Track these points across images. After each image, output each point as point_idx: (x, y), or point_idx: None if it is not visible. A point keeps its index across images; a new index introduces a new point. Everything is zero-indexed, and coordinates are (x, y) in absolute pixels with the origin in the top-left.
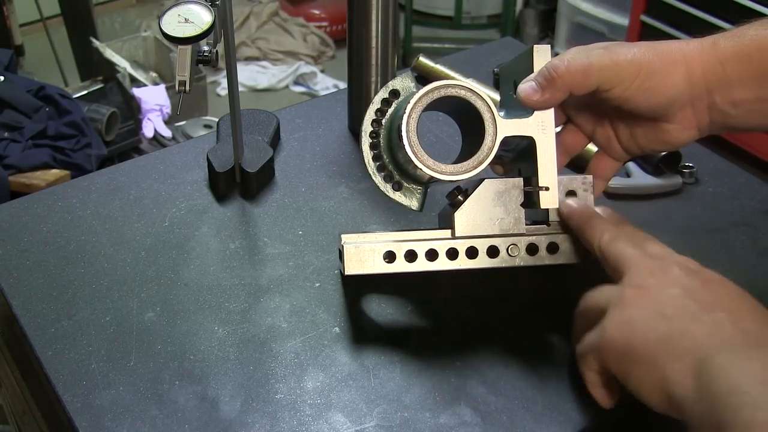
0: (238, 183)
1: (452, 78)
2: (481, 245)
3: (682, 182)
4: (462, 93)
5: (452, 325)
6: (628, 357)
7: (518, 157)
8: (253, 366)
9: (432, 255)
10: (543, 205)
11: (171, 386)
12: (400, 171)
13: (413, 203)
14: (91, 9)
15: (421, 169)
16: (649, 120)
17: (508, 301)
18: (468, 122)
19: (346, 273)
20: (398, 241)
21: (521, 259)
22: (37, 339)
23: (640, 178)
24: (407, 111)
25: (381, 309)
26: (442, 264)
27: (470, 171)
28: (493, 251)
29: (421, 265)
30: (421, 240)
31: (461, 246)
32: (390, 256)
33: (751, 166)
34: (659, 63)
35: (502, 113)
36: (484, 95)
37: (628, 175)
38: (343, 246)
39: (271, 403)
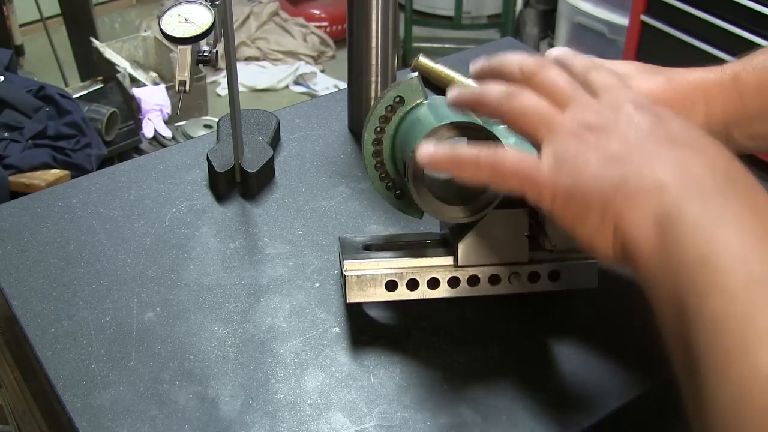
0: (238, 183)
1: (452, 79)
2: (483, 274)
3: None
4: (471, 133)
5: (452, 325)
6: (577, 202)
7: None
8: (253, 366)
9: (434, 284)
10: (548, 246)
11: (171, 386)
12: (403, 180)
13: (415, 211)
14: (91, 9)
15: (427, 212)
16: None
17: (509, 301)
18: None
19: (348, 301)
20: (401, 268)
21: (522, 287)
22: (37, 339)
23: None
24: (413, 154)
25: (381, 309)
26: (444, 292)
27: (476, 214)
28: (494, 279)
29: (423, 293)
30: (424, 267)
31: (463, 275)
32: (392, 285)
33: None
34: (679, 105)
35: (512, 141)
36: (495, 137)
37: None
38: (345, 274)
39: (271, 403)
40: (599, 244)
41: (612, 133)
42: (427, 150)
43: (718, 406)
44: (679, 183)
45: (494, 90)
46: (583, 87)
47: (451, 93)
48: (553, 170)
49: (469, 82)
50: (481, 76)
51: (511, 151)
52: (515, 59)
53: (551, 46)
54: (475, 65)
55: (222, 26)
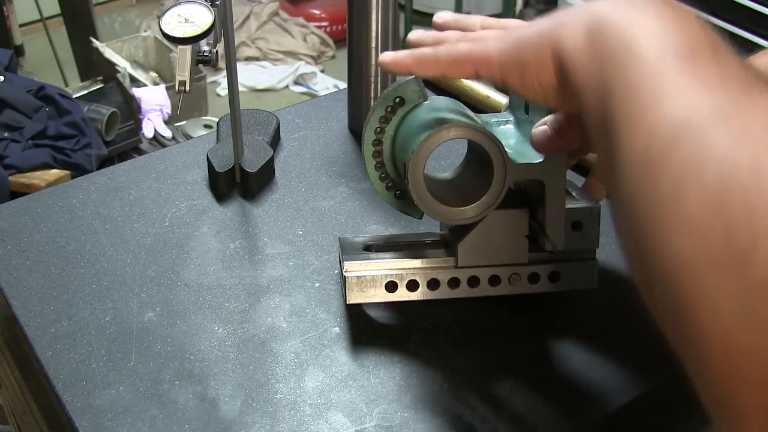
0: (238, 183)
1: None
2: (483, 275)
3: None
4: (472, 135)
5: (452, 325)
6: (521, 56)
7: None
8: (253, 366)
9: (434, 285)
10: (548, 248)
11: (171, 386)
12: (403, 181)
13: (415, 212)
14: (91, 9)
15: (427, 213)
16: None
17: (509, 301)
18: (476, 151)
19: (348, 302)
20: (400, 269)
21: (522, 288)
22: (37, 339)
23: None
24: (413, 155)
25: (381, 309)
26: (444, 293)
27: (477, 215)
28: (494, 280)
29: (423, 294)
30: (424, 268)
31: (463, 275)
32: (392, 286)
33: None
34: None
35: (511, 119)
36: (496, 139)
37: None
38: (345, 275)
39: (271, 403)
40: (545, 81)
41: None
42: (388, 55)
43: (629, 157)
44: (604, 4)
45: (426, 49)
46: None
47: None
48: (498, 44)
49: (469, 82)
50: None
51: (462, 42)
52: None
53: None
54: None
55: (222, 26)
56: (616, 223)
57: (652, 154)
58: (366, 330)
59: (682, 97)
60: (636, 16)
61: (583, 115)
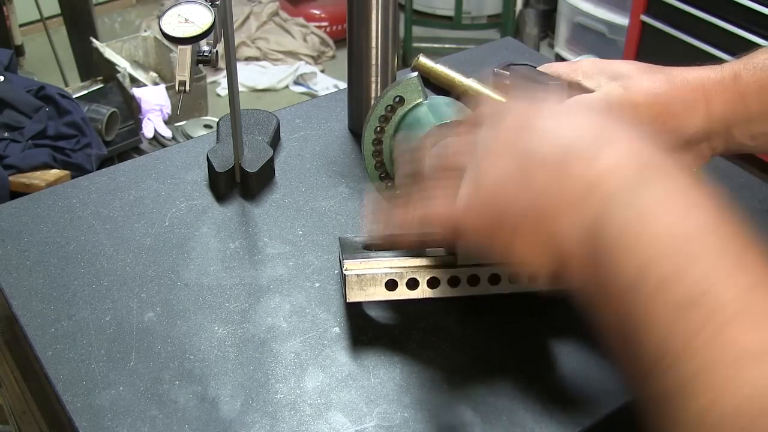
0: (238, 183)
1: (452, 79)
2: (483, 273)
3: None
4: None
5: (452, 325)
6: (502, 226)
7: None
8: (253, 366)
9: (434, 283)
10: None
11: (171, 386)
12: None
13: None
14: (91, 9)
15: None
16: None
17: (509, 301)
18: None
19: (348, 301)
20: (401, 268)
21: (523, 286)
22: (37, 339)
23: None
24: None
25: (381, 309)
26: (444, 291)
27: None
28: (494, 279)
29: (423, 292)
30: (424, 266)
31: (463, 274)
32: (392, 285)
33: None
34: (679, 105)
35: None
36: None
37: None
38: (345, 274)
39: (271, 403)
40: (533, 261)
41: (527, 133)
42: (370, 231)
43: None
44: (613, 182)
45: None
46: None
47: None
48: (471, 200)
49: (470, 82)
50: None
51: (436, 200)
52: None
53: (551, 46)
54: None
55: (222, 26)
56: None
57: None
58: (366, 330)
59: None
60: (646, 205)
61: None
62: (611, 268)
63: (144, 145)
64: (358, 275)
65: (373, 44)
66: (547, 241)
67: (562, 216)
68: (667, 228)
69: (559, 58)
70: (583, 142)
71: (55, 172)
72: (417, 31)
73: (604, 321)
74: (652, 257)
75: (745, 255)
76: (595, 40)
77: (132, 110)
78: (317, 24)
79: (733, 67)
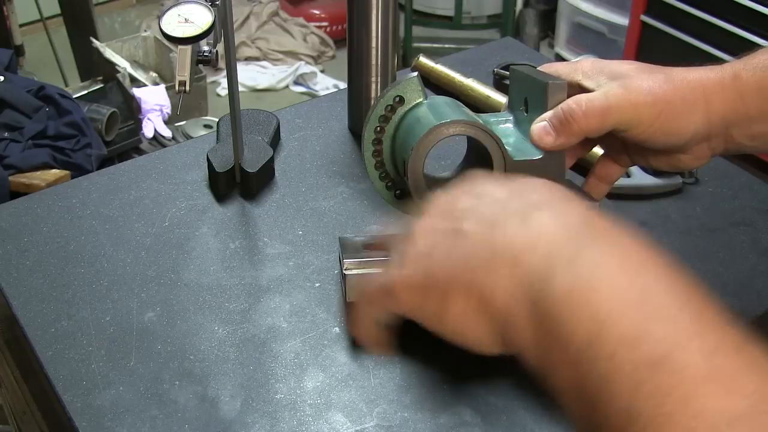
0: (238, 183)
1: (452, 79)
2: None
3: (682, 182)
4: (472, 132)
5: None
6: (434, 291)
7: None
8: (253, 366)
9: None
10: None
11: (171, 386)
12: (403, 180)
13: (415, 211)
14: (91, 9)
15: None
16: (663, 151)
17: None
18: (475, 146)
19: (348, 301)
20: None
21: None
22: (37, 339)
23: (640, 178)
24: (413, 152)
25: None
26: None
27: None
28: None
29: None
30: None
31: None
32: None
33: (751, 166)
34: (679, 105)
35: (510, 118)
36: (495, 135)
37: (628, 175)
38: (345, 274)
39: (271, 403)
40: (472, 334)
41: (452, 211)
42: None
43: None
44: (537, 251)
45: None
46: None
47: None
48: (401, 268)
49: (470, 82)
50: None
51: (377, 274)
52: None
53: (551, 46)
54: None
55: (222, 26)
56: None
57: None
58: None
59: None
60: (594, 263)
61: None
62: (562, 330)
63: (144, 145)
64: (358, 275)
65: (373, 44)
66: (482, 304)
67: (495, 276)
68: (619, 288)
69: (559, 58)
70: (516, 203)
71: (55, 172)
72: (417, 31)
73: (559, 384)
74: (607, 319)
75: (702, 314)
76: (595, 40)
77: (132, 110)
78: (317, 24)
79: (732, 67)
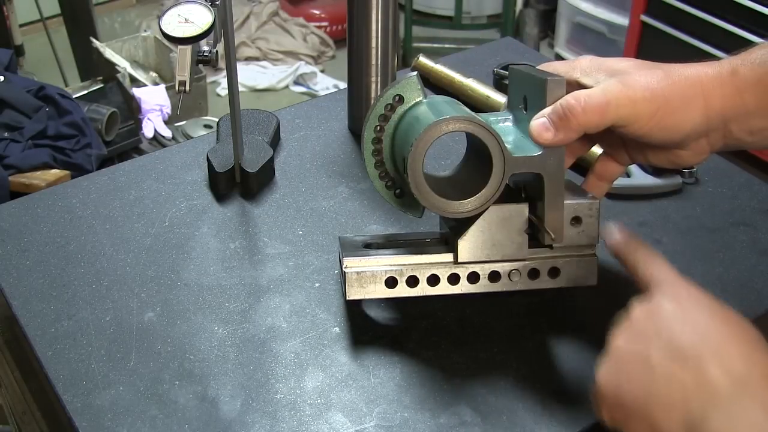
0: (238, 183)
1: (452, 79)
2: (483, 270)
3: (682, 182)
4: (471, 128)
5: (452, 325)
6: (619, 408)
7: (526, 178)
8: (253, 366)
9: (434, 281)
10: (547, 242)
11: (171, 386)
12: (403, 179)
13: (415, 210)
14: (91, 9)
15: (426, 207)
16: (662, 147)
17: (508, 301)
18: (475, 144)
19: (348, 298)
20: (400, 265)
21: (522, 284)
22: (37, 339)
23: (640, 178)
24: (413, 148)
25: (381, 309)
26: (444, 289)
27: (476, 209)
28: (494, 276)
29: (423, 290)
30: (424, 264)
31: (463, 271)
32: (392, 282)
33: (751, 166)
34: (678, 100)
35: (510, 117)
36: (494, 132)
37: (628, 175)
38: (345, 271)
39: (271, 403)
40: None
41: (647, 340)
42: None
43: None
44: (701, 394)
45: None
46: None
47: None
48: (598, 388)
49: (470, 82)
50: None
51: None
52: None
53: (551, 46)
54: None
55: (222, 26)
56: None
57: None
58: (366, 330)
59: None
60: (732, 424)
61: None
62: None
63: (144, 145)
64: (357, 272)
65: (373, 44)
66: (653, 429)
67: (666, 411)
68: None
69: (559, 58)
70: (695, 346)
71: (55, 172)
72: (417, 31)
73: None
74: None
75: None
76: (595, 40)
77: (132, 110)
78: (317, 24)
79: (731, 62)
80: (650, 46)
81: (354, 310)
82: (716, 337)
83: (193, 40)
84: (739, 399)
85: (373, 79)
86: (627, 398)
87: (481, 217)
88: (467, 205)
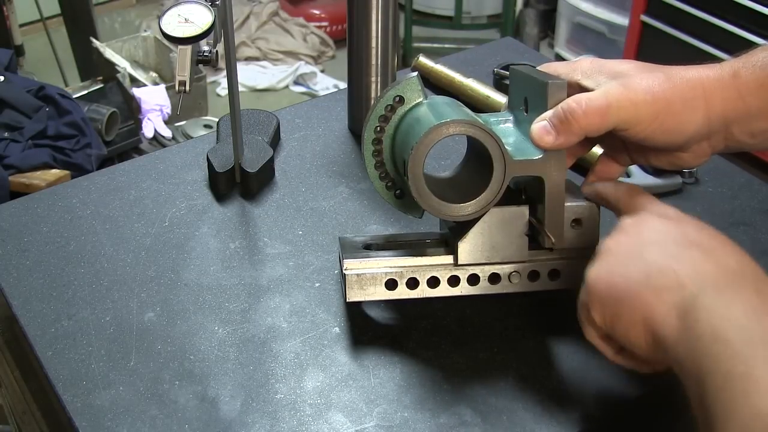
0: (238, 183)
1: (452, 79)
2: (483, 272)
3: (682, 182)
4: (472, 132)
5: (452, 325)
6: (611, 300)
7: (527, 179)
8: (253, 366)
9: (434, 282)
10: (547, 245)
11: (171, 386)
12: (403, 180)
13: (415, 211)
14: (91, 9)
15: (426, 210)
16: (663, 149)
17: (508, 301)
18: (475, 146)
19: (348, 300)
20: (400, 267)
21: (522, 286)
22: (37, 339)
23: (640, 178)
24: (413, 152)
25: (381, 309)
26: (444, 291)
27: (476, 213)
28: (494, 278)
29: (423, 291)
30: (424, 266)
31: (463, 273)
32: (392, 284)
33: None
34: (679, 103)
35: (510, 118)
36: (495, 135)
37: (628, 175)
38: (345, 273)
39: (271, 403)
40: (634, 338)
41: (638, 239)
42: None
43: None
44: (696, 279)
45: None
46: None
47: None
48: (589, 285)
49: (470, 82)
50: None
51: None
52: None
53: (551, 46)
54: None
55: (222, 26)
56: None
57: None
58: (366, 330)
59: None
60: (723, 304)
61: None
62: (702, 363)
63: (144, 145)
64: (358, 275)
65: (373, 44)
66: (643, 323)
67: (659, 296)
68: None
69: (559, 58)
70: (688, 247)
71: (55, 172)
72: (417, 31)
73: (692, 400)
74: (736, 362)
75: None
76: (595, 40)
77: (132, 110)
78: (317, 24)
79: (732, 65)
80: (650, 47)
81: (354, 310)
82: (708, 242)
83: (193, 40)
84: (732, 284)
85: (373, 79)
86: (620, 286)
87: (482, 219)
88: (467, 208)
